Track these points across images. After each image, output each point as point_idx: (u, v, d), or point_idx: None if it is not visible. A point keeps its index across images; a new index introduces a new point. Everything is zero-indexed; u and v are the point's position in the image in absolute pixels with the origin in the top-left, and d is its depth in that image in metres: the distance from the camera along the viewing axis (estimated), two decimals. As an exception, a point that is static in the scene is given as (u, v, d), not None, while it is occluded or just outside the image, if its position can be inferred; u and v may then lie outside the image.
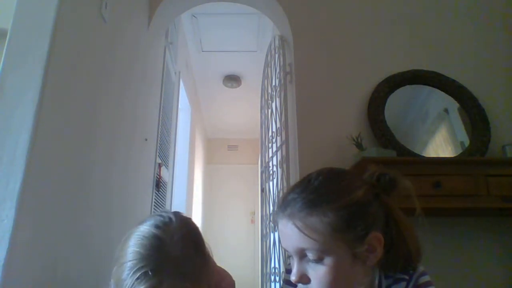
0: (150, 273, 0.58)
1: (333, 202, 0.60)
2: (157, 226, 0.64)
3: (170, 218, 0.66)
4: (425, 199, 1.39)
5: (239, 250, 5.22)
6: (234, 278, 0.88)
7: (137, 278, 0.58)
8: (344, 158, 1.63)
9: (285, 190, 0.72)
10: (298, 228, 0.60)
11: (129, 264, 0.60)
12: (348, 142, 1.62)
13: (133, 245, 0.62)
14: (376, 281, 0.66)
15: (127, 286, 0.58)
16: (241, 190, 5.60)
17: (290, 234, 0.61)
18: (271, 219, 2.11)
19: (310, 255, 0.59)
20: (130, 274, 0.58)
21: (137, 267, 0.59)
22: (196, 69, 3.85)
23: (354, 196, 0.61)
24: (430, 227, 1.71)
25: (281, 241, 0.66)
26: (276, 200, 0.65)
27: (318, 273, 0.59)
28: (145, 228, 0.64)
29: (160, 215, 0.67)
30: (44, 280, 0.92)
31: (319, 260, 0.59)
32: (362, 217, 0.61)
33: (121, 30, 1.50)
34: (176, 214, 0.69)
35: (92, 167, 1.22)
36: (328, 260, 0.59)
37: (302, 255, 0.61)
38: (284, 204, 0.64)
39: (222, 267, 0.87)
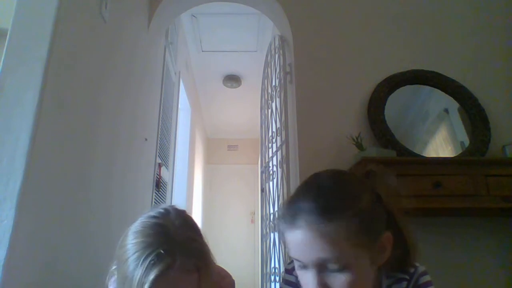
0: (163, 252, 0.58)
1: (349, 208, 0.58)
2: (155, 217, 0.65)
3: (166, 209, 0.68)
4: (425, 199, 1.39)
5: (239, 250, 5.22)
6: (234, 278, 0.88)
7: (150, 261, 0.57)
8: (344, 158, 1.63)
9: (288, 196, 0.68)
10: (318, 239, 0.56)
11: (134, 256, 0.59)
12: (348, 142, 1.62)
13: (134, 239, 0.62)
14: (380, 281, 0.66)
15: (138, 276, 0.57)
16: (241, 190, 5.60)
17: (308, 245, 0.57)
18: (273, 221, 2.10)
19: (331, 265, 0.56)
20: (140, 263, 0.58)
21: (147, 253, 0.58)
22: (196, 69, 3.85)
23: (366, 199, 0.60)
24: (430, 227, 1.71)
25: (293, 252, 0.61)
26: (281, 207, 0.61)
27: (340, 282, 0.56)
28: (143, 221, 0.65)
29: (154, 209, 0.68)
30: (44, 280, 0.92)
31: (341, 268, 0.56)
32: (375, 219, 0.60)
33: (121, 30, 1.50)
34: (171, 206, 0.70)
35: (92, 167, 1.22)
36: (350, 268, 0.56)
37: (321, 265, 0.57)
38: (295, 213, 0.60)
39: (222, 267, 0.87)
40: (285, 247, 1.74)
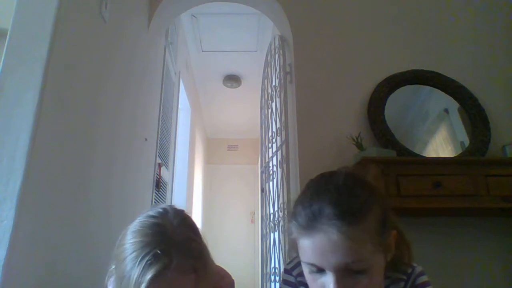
0: (160, 253, 0.58)
1: (369, 209, 0.58)
2: (154, 216, 0.65)
3: (164, 209, 0.68)
4: (425, 199, 1.39)
5: (239, 250, 5.22)
6: (234, 278, 0.88)
7: (147, 261, 0.57)
8: (344, 158, 1.63)
9: (297, 199, 0.66)
10: (344, 242, 0.55)
11: (132, 255, 0.60)
12: (348, 142, 1.62)
13: (132, 238, 0.62)
14: None
15: (135, 276, 0.57)
16: (241, 190, 5.60)
17: (332, 249, 0.55)
18: (273, 221, 2.11)
19: (356, 267, 0.55)
20: (137, 263, 0.58)
21: (144, 252, 0.59)
22: (196, 69, 3.85)
23: (378, 200, 0.61)
24: (430, 227, 1.71)
25: (310, 257, 0.58)
26: (293, 211, 0.58)
27: (361, 283, 0.56)
28: (141, 220, 0.65)
29: (153, 209, 0.68)
30: (44, 280, 0.92)
31: (363, 270, 0.56)
32: (386, 218, 0.61)
33: (121, 30, 1.50)
34: (170, 205, 0.70)
35: (92, 167, 1.22)
36: (370, 268, 0.56)
37: (345, 268, 0.55)
38: (313, 217, 0.58)
39: (222, 267, 0.87)
40: (285, 247, 1.75)
